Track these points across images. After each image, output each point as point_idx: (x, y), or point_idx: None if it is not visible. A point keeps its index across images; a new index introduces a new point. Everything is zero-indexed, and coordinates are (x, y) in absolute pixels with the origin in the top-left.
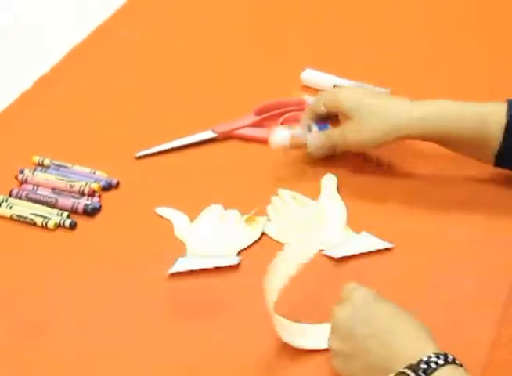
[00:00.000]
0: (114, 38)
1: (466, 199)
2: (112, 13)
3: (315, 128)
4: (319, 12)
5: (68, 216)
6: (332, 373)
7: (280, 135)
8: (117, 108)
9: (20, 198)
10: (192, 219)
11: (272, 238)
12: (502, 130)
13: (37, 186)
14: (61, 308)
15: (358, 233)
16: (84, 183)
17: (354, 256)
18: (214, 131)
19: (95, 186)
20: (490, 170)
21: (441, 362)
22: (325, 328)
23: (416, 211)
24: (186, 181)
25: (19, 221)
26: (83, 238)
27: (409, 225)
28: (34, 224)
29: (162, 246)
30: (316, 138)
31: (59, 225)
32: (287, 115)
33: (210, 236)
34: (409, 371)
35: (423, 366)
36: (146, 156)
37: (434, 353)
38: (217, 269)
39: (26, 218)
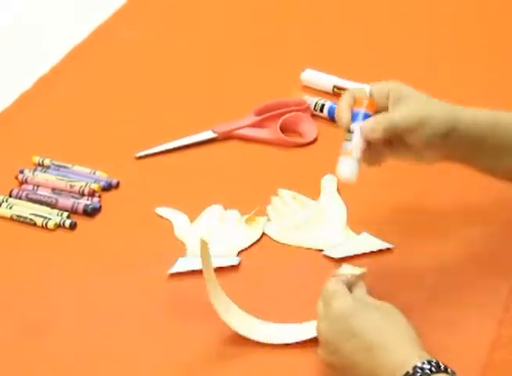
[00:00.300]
0: (114, 38)
1: (466, 199)
2: (112, 13)
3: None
4: (319, 12)
5: (68, 216)
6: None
7: (347, 168)
8: (117, 108)
9: (20, 198)
10: (192, 219)
11: (272, 238)
12: None
13: (38, 186)
14: (61, 308)
15: (358, 233)
16: (84, 183)
17: (354, 256)
18: (214, 132)
19: (95, 186)
20: None
21: (426, 371)
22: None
23: (416, 211)
24: (186, 181)
25: (19, 221)
26: (83, 238)
27: (409, 225)
28: (34, 224)
29: (162, 246)
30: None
31: (59, 226)
32: (287, 115)
33: (211, 236)
34: None
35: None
36: (146, 156)
37: (420, 361)
38: (217, 269)
39: (26, 218)
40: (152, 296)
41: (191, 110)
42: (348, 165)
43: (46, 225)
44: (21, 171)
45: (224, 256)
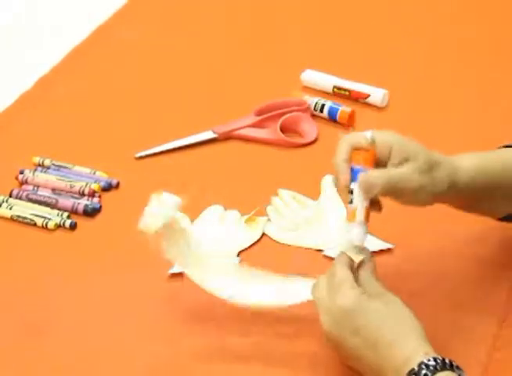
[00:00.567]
0: (114, 38)
1: None
2: (112, 13)
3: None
4: (319, 12)
5: (68, 217)
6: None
7: (356, 237)
8: (117, 108)
9: (21, 199)
10: (192, 220)
11: (272, 238)
12: None
13: (38, 186)
14: (61, 308)
15: None
16: (84, 184)
17: None
18: (215, 132)
19: (95, 186)
20: None
21: (431, 368)
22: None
23: (416, 211)
24: (186, 181)
25: (19, 221)
26: (83, 238)
27: (409, 225)
28: (35, 224)
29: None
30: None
31: (59, 226)
32: (287, 116)
33: (211, 236)
34: None
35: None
36: (145, 156)
37: (426, 358)
38: None
39: (26, 218)
40: (152, 296)
41: (191, 110)
42: (356, 234)
43: (46, 225)
44: (21, 172)
45: (224, 256)
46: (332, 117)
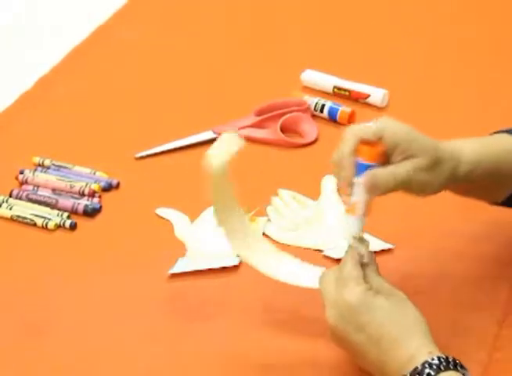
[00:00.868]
0: (114, 38)
1: (466, 199)
2: (112, 13)
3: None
4: (319, 12)
5: (68, 217)
6: None
7: (353, 229)
8: (117, 108)
9: (21, 199)
10: (192, 220)
11: (272, 238)
12: None
13: (38, 186)
14: (61, 308)
15: None
16: (84, 184)
17: None
18: (215, 132)
19: (95, 186)
20: None
21: (434, 368)
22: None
23: (416, 211)
24: (186, 181)
25: (19, 221)
26: (83, 239)
27: (409, 225)
28: (35, 224)
29: (162, 246)
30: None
31: (59, 226)
32: (287, 116)
33: (211, 236)
34: None
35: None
36: (145, 156)
37: (430, 357)
38: (217, 269)
39: (26, 218)
40: (152, 296)
41: (191, 110)
42: (354, 226)
43: (46, 225)
44: (21, 172)
45: (224, 256)
46: (332, 118)
